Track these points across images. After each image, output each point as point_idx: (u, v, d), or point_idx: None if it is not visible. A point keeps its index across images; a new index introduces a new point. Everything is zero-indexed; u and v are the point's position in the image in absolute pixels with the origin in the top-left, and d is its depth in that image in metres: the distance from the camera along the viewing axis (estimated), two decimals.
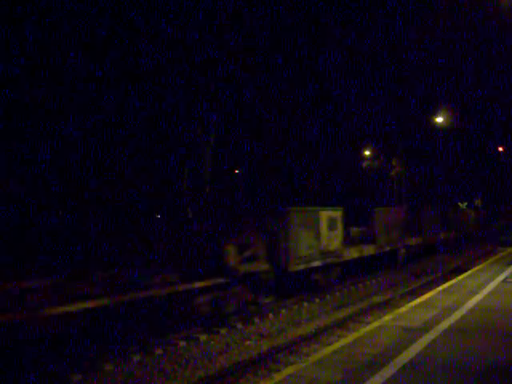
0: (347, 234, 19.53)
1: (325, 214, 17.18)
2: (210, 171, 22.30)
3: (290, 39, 25.55)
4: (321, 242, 16.66)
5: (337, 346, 8.67)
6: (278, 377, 7.17)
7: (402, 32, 32.72)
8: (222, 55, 21.04)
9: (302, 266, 15.59)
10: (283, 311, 14.33)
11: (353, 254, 19.09)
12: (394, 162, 40.58)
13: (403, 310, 11.72)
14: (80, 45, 18.31)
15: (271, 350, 10.37)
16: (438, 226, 29.81)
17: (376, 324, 10.30)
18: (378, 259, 21.78)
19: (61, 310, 8.96)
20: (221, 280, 12.53)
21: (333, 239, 17.37)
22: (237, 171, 35.03)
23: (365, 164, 42.12)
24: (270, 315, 13.72)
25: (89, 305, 9.33)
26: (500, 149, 50.58)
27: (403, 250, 24.00)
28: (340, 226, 17.90)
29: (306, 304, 15.34)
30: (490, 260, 25.10)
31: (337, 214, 17.97)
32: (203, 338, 11.37)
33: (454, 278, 17.86)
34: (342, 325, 12.61)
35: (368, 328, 9.99)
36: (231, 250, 13.03)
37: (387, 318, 10.83)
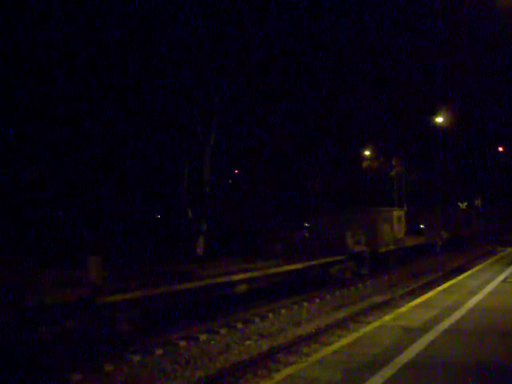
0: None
1: (395, 213, 24.72)
2: (209, 171, 22.32)
3: (291, 39, 25.55)
4: (393, 232, 23.57)
5: (337, 346, 8.67)
6: (278, 377, 7.17)
7: (402, 32, 32.73)
8: (223, 54, 21.05)
9: (383, 249, 22.36)
10: (283, 311, 14.33)
11: (410, 242, 26.23)
12: (394, 162, 40.57)
13: (403, 309, 11.72)
14: (80, 43, 18.32)
15: (271, 350, 10.37)
16: (461, 224, 37.38)
17: (376, 324, 10.30)
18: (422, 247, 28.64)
19: None
20: (343, 257, 19.02)
21: (399, 231, 24.30)
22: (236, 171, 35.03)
23: (365, 164, 42.12)
24: (270, 315, 13.73)
25: None
26: (500, 149, 50.56)
27: (440, 242, 31.17)
28: (403, 221, 25.14)
29: (305, 304, 15.34)
30: (490, 260, 25.09)
31: (401, 212, 26.24)
32: (203, 337, 11.36)
33: (454, 277, 17.86)
34: (341, 325, 12.61)
35: (368, 328, 9.99)
36: (349, 237, 19.50)
37: (387, 317, 10.83)
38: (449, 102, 37.82)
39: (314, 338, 11.39)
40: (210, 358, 10.05)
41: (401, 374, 6.87)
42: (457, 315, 10.65)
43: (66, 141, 19.07)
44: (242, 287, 13.95)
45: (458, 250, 33.66)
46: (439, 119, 38.15)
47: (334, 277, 18.37)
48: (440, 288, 15.00)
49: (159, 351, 10.31)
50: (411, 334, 9.08)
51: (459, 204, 46.78)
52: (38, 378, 8.64)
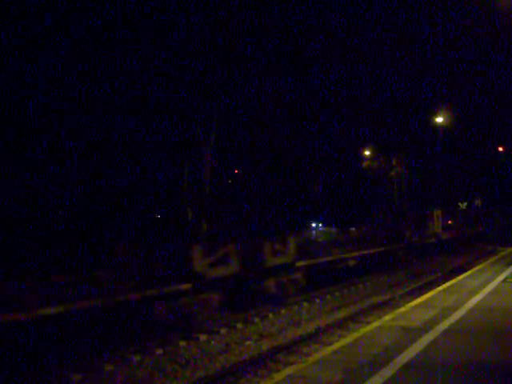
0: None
1: (435, 212, 33.43)
2: (209, 171, 22.29)
3: (290, 40, 25.53)
4: (435, 228, 32.64)
5: (337, 345, 8.67)
6: (278, 377, 7.16)
7: (403, 32, 32.71)
8: (222, 54, 21.03)
9: (427, 241, 31.01)
10: (283, 311, 14.34)
11: (446, 235, 34.55)
12: (394, 162, 40.55)
13: (403, 309, 11.72)
14: (79, 42, 18.28)
15: (271, 350, 10.37)
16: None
17: (376, 324, 10.30)
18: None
19: None
20: (398, 245, 26.44)
21: (438, 226, 33.28)
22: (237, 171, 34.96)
23: (365, 164, 42.10)
24: (270, 315, 13.73)
25: None
26: (500, 149, 50.52)
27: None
28: (441, 218, 33.95)
29: (306, 304, 15.35)
30: (490, 260, 25.12)
31: (439, 212, 34.28)
32: (203, 337, 11.37)
33: (454, 277, 17.87)
34: (341, 325, 12.61)
35: (368, 328, 9.99)
36: (409, 232, 28.35)
37: (387, 317, 10.83)
38: (449, 102, 37.80)
39: (313, 337, 11.41)
40: (210, 358, 10.05)
41: (401, 374, 6.87)
42: (457, 315, 10.65)
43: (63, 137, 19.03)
44: None
45: (459, 250, 33.70)
46: (439, 119, 38.14)
47: (400, 259, 26.19)
48: (440, 288, 15.02)
49: (159, 351, 10.31)
50: (411, 334, 9.09)
51: (459, 204, 46.79)
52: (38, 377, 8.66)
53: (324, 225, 37.42)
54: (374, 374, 6.80)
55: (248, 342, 11.21)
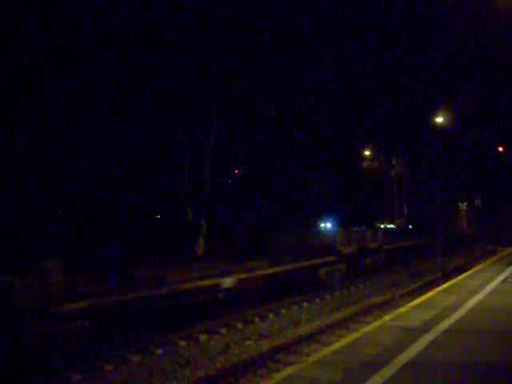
0: None
1: (461, 211, 47.61)
2: (209, 171, 22.29)
3: (290, 39, 25.53)
4: (461, 225, 47.10)
5: (337, 345, 8.66)
6: (278, 377, 7.16)
7: (403, 31, 32.72)
8: (223, 54, 21.02)
9: (457, 235, 39.56)
10: (283, 311, 14.34)
11: (470, 232, 42.31)
12: (394, 162, 40.56)
13: (403, 309, 11.71)
14: (79, 41, 18.26)
15: (271, 350, 10.37)
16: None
17: (376, 324, 10.29)
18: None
19: None
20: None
21: (464, 223, 45.95)
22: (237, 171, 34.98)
23: (365, 164, 42.12)
24: (270, 315, 13.73)
25: None
26: (500, 149, 50.51)
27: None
28: (466, 217, 46.45)
29: (305, 304, 15.35)
30: (490, 260, 25.11)
31: (464, 211, 46.29)
32: (203, 337, 11.37)
33: (454, 277, 17.86)
34: (342, 325, 12.61)
35: (368, 328, 9.98)
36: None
37: (387, 317, 10.83)
38: (449, 102, 37.79)
39: (313, 337, 11.41)
40: (210, 358, 10.05)
41: (401, 374, 6.87)
42: (457, 315, 10.65)
43: (63, 139, 18.99)
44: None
45: (459, 250, 33.70)
46: (439, 119, 38.14)
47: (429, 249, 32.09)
48: (440, 288, 15.02)
49: (159, 351, 10.31)
50: (411, 334, 9.09)
51: (459, 204, 46.83)
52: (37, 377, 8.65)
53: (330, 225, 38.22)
54: (374, 374, 6.80)
55: (248, 342, 11.20)
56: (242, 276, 14.34)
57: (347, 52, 30.50)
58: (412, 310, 11.57)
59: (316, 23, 26.91)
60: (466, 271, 19.94)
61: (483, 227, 45.10)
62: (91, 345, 9.86)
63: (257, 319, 13.24)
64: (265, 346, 10.89)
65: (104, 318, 10.32)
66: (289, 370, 7.44)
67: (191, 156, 22.36)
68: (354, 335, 9.44)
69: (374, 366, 7.18)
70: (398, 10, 31.23)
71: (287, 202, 30.04)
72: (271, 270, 16.06)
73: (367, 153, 42.22)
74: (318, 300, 16.05)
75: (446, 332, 9.19)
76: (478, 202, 50.92)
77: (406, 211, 50.33)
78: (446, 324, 9.81)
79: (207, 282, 13.17)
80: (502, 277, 17.05)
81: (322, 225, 32.33)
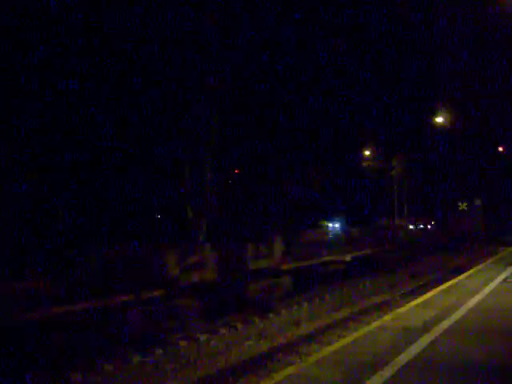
0: None
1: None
2: (210, 171, 22.26)
3: (289, 38, 25.52)
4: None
5: (337, 346, 8.65)
6: (277, 377, 7.14)
7: (403, 31, 32.72)
8: (223, 52, 20.99)
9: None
10: (283, 311, 14.34)
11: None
12: (394, 162, 40.56)
13: (403, 309, 11.71)
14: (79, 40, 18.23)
15: (271, 350, 10.36)
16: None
17: (376, 324, 10.29)
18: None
19: None
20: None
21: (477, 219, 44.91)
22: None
23: (365, 164, 42.10)
24: (271, 315, 13.73)
25: None
26: (500, 149, 50.49)
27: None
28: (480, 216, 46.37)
29: (306, 304, 15.35)
30: (490, 260, 25.09)
31: (479, 202, 45.76)
32: (203, 337, 11.37)
33: (454, 277, 17.85)
34: (341, 325, 12.61)
35: (368, 328, 9.98)
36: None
37: (387, 317, 10.82)
38: (449, 102, 37.78)
39: (313, 337, 11.41)
40: (210, 358, 10.05)
41: (401, 374, 6.86)
42: (457, 315, 10.64)
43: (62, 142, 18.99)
44: None
45: (459, 250, 33.72)
46: (439, 119, 38.12)
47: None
48: (440, 288, 15.01)
49: (159, 351, 10.31)
50: (411, 334, 9.08)
51: (459, 204, 46.83)
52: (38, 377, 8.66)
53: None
54: (374, 374, 6.79)
55: (248, 342, 11.20)
56: None
57: (347, 52, 30.49)
58: (412, 309, 11.57)
59: (316, 22, 26.92)
60: (466, 271, 19.94)
61: (483, 227, 45.11)
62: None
63: (257, 319, 13.20)
64: (265, 345, 10.88)
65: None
66: (289, 370, 7.43)
67: (192, 156, 22.32)
68: (354, 335, 9.44)
69: (374, 366, 7.13)
70: (399, 8, 31.20)
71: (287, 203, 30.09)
72: None
73: (367, 153, 42.20)
74: None
75: (446, 332, 9.18)
76: (478, 201, 50.91)
77: (405, 211, 50.34)
78: (446, 324, 9.79)
79: None
80: (501, 277, 17.04)
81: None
